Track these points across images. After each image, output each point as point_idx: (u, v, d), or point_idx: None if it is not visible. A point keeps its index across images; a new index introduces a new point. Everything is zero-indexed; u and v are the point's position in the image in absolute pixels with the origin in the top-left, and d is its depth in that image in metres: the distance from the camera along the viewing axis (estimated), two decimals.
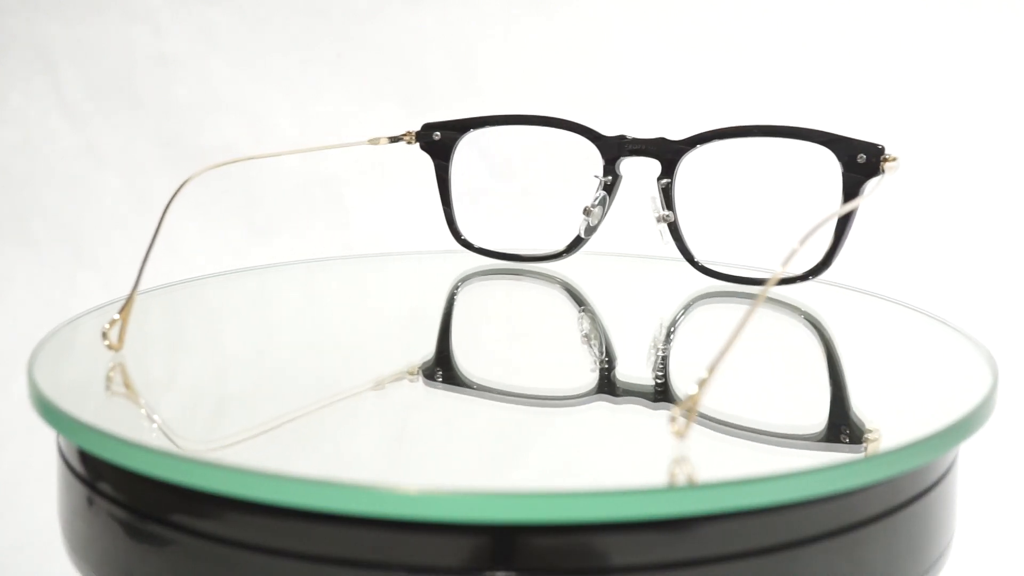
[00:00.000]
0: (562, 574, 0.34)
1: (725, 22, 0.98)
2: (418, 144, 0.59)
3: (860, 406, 0.43)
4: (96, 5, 1.04)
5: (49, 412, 0.39)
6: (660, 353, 0.48)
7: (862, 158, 0.50)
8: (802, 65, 0.97)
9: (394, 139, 0.59)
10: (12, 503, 0.95)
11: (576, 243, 0.56)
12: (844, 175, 0.50)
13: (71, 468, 0.41)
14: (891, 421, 0.42)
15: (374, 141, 0.58)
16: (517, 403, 0.44)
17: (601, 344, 0.50)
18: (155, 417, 0.42)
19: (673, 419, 0.36)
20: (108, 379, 0.44)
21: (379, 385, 0.45)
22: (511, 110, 1.00)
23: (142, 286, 0.47)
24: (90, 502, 0.39)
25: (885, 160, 0.50)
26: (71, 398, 0.40)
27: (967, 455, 0.45)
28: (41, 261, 1.04)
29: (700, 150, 0.54)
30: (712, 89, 0.98)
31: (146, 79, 1.04)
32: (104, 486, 0.39)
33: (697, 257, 0.54)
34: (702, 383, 0.36)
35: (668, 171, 0.54)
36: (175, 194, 0.51)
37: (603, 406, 0.43)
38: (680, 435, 0.36)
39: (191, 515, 0.36)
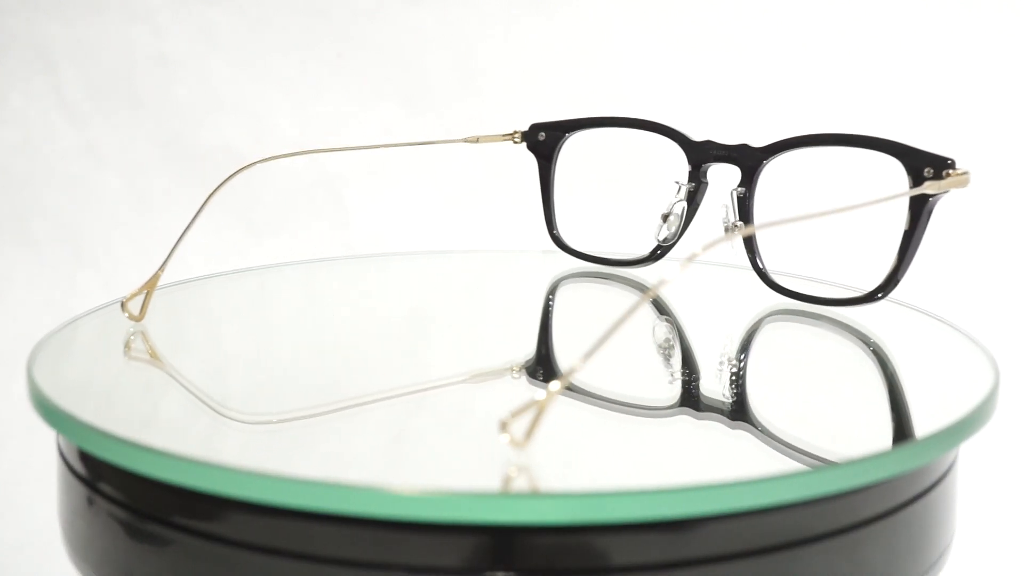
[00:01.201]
0: (562, 574, 0.34)
1: (725, 22, 0.98)
2: (524, 144, 0.59)
3: (861, 406, 0.43)
4: (96, 5, 1.04)
5: (49, 412, 0.39)
6: (731, 370, 0.47)
7: (929, 172, 0.47)
8: (802, 64, 0.97)
9: (496, 138, 0.58)
10: (12, 503, 0.95)
11: (657, 251, 0.55)
12: (912, 189, 0.48)
13: (71, 468, 0.41)
14: (892, 421, 0.42)
15: (472, 139, 0.57)
16: (611, 410, 0.44)
17: (677, 356, 0.49)
18: (195, 390, 0.42)
19: (505, 424, 0.36)
20: (127, 347, 0.47)
21: (477, 378, 0.45)
22: (516, 110, 1.00)
23: (142, 287, 0.47)
24: (90, 502, 0.39)
25: (948, 175, 0.47)
26: (71, 398, 0.40)
27: (967, 455, 0.45)
28: (41, 261, 1.04)
29: (777, 159, 0.52)
30: (712, 89, 0.98)
31: (146, 79, 1.04)
32: (104, 486, 0.39)
33: (769, 273, 0.51)
34: (563, 378, 0.36)
35: (748, 179, 0.51)
36: (223, 183, 0.54)
37: (686, 419, 0.42)
38: (518, 445, 0.35)
39: (191, 515, 0.36)
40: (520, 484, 0.35)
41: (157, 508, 0.37)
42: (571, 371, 0.37)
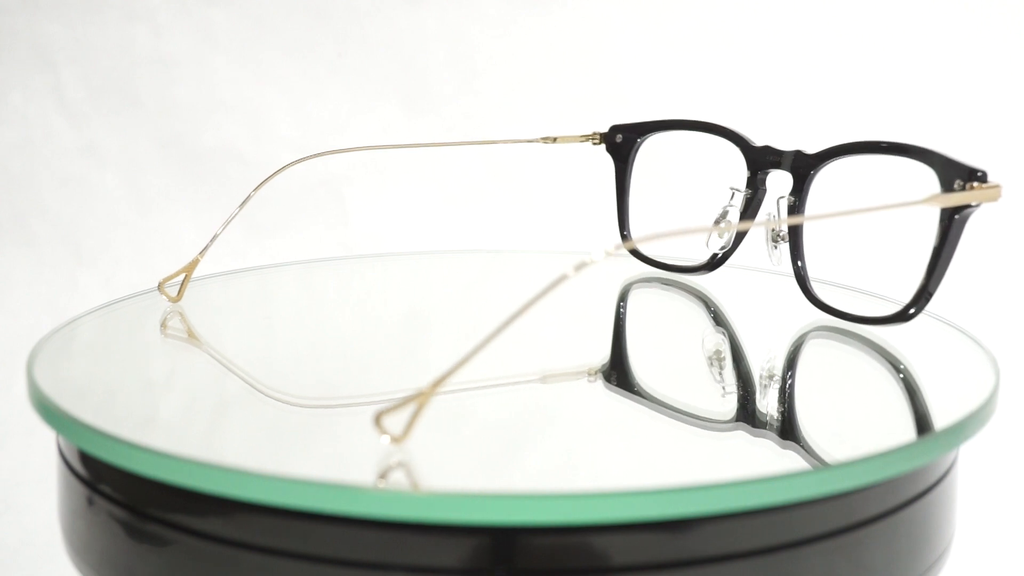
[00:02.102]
0: (562, 574, 0.34)
1: (725, 22, 0.98)
2: (604, 146, 0.57)
3: (862, 406, 0.43)
4: (96, 5, 1.04)
5: (49, 413, 0.39)
6: (774, 387, 0.46)
7: (959, 184, 0.45)
8: (802, 63, 0.97)
9: (575, 139, 0.57)
10: (12, 503, 0.95)
11: (715, 259, 0.54)
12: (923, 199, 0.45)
13: (71, 468, 0.41)
14: (893, 421, 0.42)
15: (549, 140, 0.56)
16: (676, 420, 0.43)
17: (727, 369, 0.48)
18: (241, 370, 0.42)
19: (379, 420, 0.36)
20: (163, 325, 0.49)
21: (547, 379, 0.44)
22: (519, 111, 1.00)
23: (141, 286, 0.47)
24: (90, 502, 0.39)
25: (971, 187, 0.44)
26: (71, 398, 0.40)
27: (967, 455, 0.45)
28: (41, 261, 1.04)
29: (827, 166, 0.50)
30: (712, 90, 0.98)
31: (146, 79, 1.04)
32: (104, 486, 0.39)
33: (811, 285, 0.50)
34: (438, 383, 0.36)
35: (799, 187, 0.49)
36: (272, 177, 0.54)
37: (742, 435, 0.42)
38: (397, 441, 0.36)
39: (191, 515, 0.36)
40: (396, 480, 0.35)
41: (157, 508, 0.37)
42: (453, 369, 0.37)
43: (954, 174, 0.44)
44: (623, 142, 0.57)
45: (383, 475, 0.36)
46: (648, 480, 0.36)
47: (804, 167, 0.49)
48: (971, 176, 0.45)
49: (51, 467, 0.43)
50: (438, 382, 0.36)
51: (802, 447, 0.40)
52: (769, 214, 0.50)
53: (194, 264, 0.50)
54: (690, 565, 0.35)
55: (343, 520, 0.34)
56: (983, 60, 0.94)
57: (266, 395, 0.44)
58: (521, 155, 1.00)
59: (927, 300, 0.46)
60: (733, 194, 0.52)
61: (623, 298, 0.56)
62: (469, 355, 0.37)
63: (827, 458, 0.39)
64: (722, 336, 0.51)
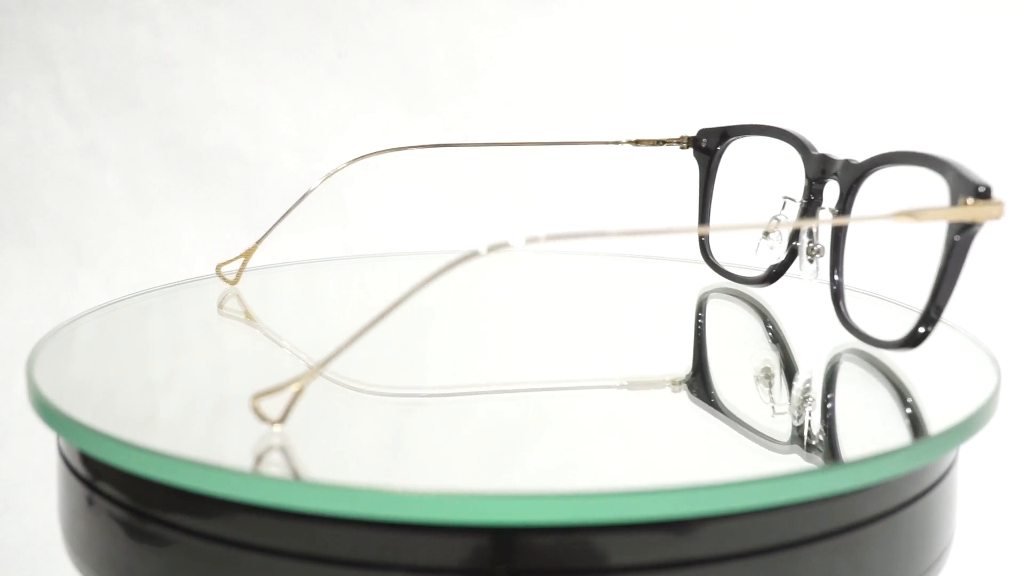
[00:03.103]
0: (562, 574, 0.34)
1: (725, 22, 0.98)
2: (691, 150, 0.55)
3: (862, 407, 0.43)
4: (96, 5, 1.04)
5: (48, 414, 0.39)
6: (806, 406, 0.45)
7: (962, 200, 0.42)
8: (801, 63, 0.97)
9: (661, 142, 0.55)
10: (12, 503, 0.95)
11: (773, 273, 0.52)
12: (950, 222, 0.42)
13: (71, 468, 0.41)
14: (893, 422, 0.41)
15: (635, 142, 0.55)
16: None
17: (779, 389, 0.46)
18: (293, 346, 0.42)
19: (256, 403, 0.37)
20: (221, 305, 0.52)
21: (633, 386, 0.44)
22: (519, 111, 1.00)
23: (141, 286, 0.47)
24: (90, 502, 0.39)
25: (965, 204, 0.41)
26: (71, 399, 0.40)
27: (967, 455, 0.45)
28: (41, 261, 1.04)
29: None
30: (712, 90, 0.98)
31: (146, 79, 1.04)
32: (104, 486, 0.39)
33: (847, 310, 0.47)
34: (318, 367, 0.37)
35: (845, 198, 0.47)
36: (336, 171, 0.57)
37: (796, 458, 0.41)
38: (275, 424, 0.37)
39: (191, 515, 0.36)
40: (273, 465, 0.36)
41: (157, 508, 0.37)
42: (333, 354, 0.37)
43: (960, 189, 0.42)
44: (708, 146, 0.55)
45: (259, 458, 0.36)
46: (648, 480, 0.36)
47: (851, 178, 0.47)
48: (974, 192, 0.41)
49: (51, 467, 0.43)
50: (319, 367, 0.37)
51: (802, 447, 0.40)
52: (810, 229, 0.48)
53: (252, 250, 0.53)
54: (690, 565, 0.35)
55: (343, 520, 0.34)
56: (985, 60, 0.94)
57: (353, 387, 0.44)
58: (521, 155, 1.00)
59: (933, 322, 0.44)
60: (785, 203, 0.50)
61: (680, 307, 0.55)
62: (351, 339, 0.38)
63: (828, 458, 0.39)
64: (771, 358, 0.50)
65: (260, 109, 1.03)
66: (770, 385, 0.46)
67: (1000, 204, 0.41)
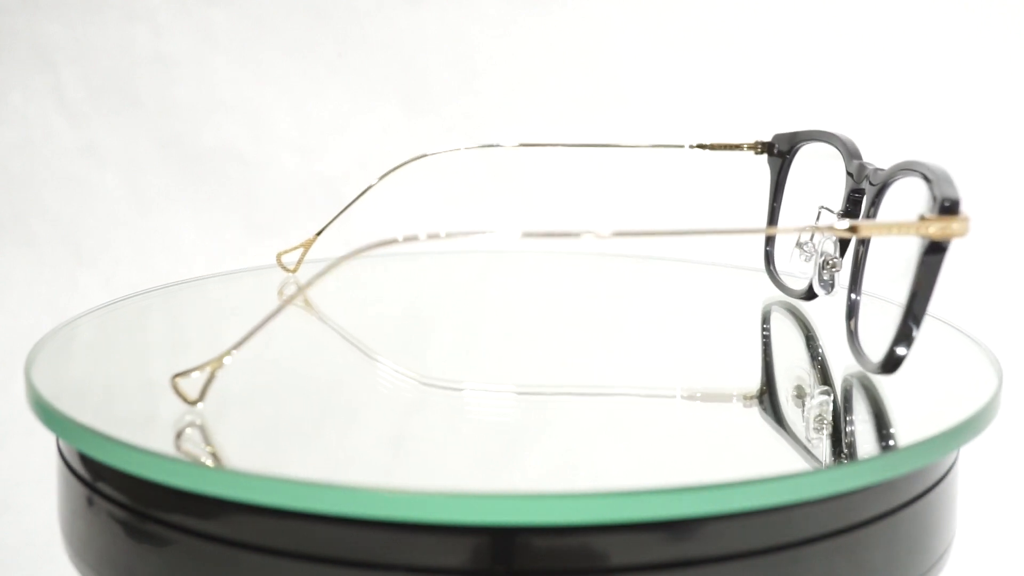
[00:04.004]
0: (562, 574, 0.34)
1: (725, 22, 0.98)
2: (765, 155, 0.53)
3: (863, 407, 0.43)
4: (96, 5, 1.04)
5: (47, 415, 0.39)
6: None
7: (928, 216, 0.39)
8: (801, 63, 0.97)
9: (733, 146, 0.53)
10: (12, 503, 0.95)
11: (811, 291, 0.49)
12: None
13: (71, 468, 0.41)
14: (894, 422, 0.41)
15: (703, 146, 0.53)
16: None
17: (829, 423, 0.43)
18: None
19: (176, 382, 0.39)
20: (280, 293, 0.54)
21: (703, 398, 0.44)
22: (519, 111, 1.00)
23: (141, 287, 0.48)
24: (90, 502, 0.39)
25: (924, 219, 0.39)
26: (70, 399, 0.40)
27: (968, 455, 0.45)
28: (41, 261, 1.04)
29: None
30: (712, 90, 0.98)
31: (146, 79, 1.04)
32: (104, 486, 0.39)
33: (858, 328, 0.44)
34: (229, 351, 0.39)
35: (870, 207, 0.45)
36: (404, 164, 0.60)
37: (796, 459, 0.41)
38: (191, 403, 0.39)
39: (191, 515, 0.36)
40: (191, 444, 0.37)
41: (157, 508, 0.37)
42: (245, 338, 0.39)
43: (931, 202, 0.39)
44: (779, 152, 0.52)
45: (178, 435, 0.38)
46: (648, 480, 0.36)
47: (877, 187, 0.45)
48: (940, 206, 0.39)
49: (51, 467, 0.43)
50: (229, 350, 0.39)
51: (802, 447, 0.40)
52: (833, 242, 0.46)
53: (312, 241, 0.55)
54: (690, 565, 0.35)
55: (343, 520, 0.34)
56: (981, 58, 0.94)
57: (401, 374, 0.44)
58: (519, 156, 1.00)
59: (909, 343, 0.40)
60: (820, 213, 0.48)
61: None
62: (258, 326, 0.39)
63: (828, 459, 0.39)
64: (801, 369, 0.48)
65: (260, 109, 1.03)
66: (802, 404, 0.44)
67: (964, 221, 0.38)
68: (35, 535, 0.91)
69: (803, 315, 0.51)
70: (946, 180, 0.40)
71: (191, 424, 0.38)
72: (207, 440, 0.38)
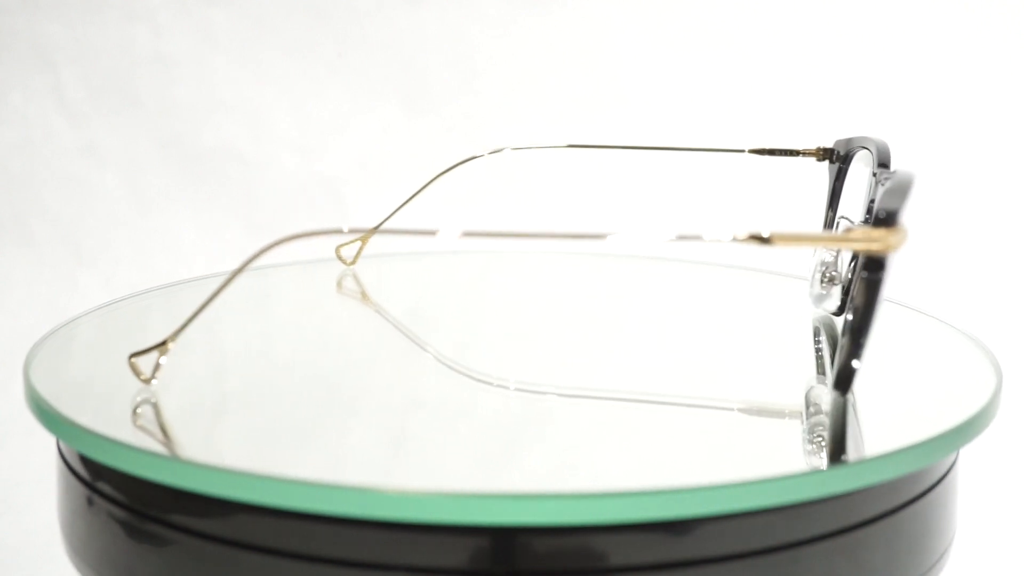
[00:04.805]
0: (562, 574, 0.34)
1: (725, 22, 0.98)
2: (827, 162, 0.51)
3: (863, 407, 0.43)
4: (96, 5, 1.04)
5: (46, 415, 0.39)
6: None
7: (855, 228, 0.37)
8: (801, 63, 0.97)
9: (795, 152, 0.51)
10: (12, 503, 0.95)
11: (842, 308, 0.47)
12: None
13: (71, 468, 0.41)
14: (894, 423, 0.41)
15: (762, 151, 0.51)
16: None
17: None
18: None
19: (134, 362, 0.41)
20: (339, 285, 0.56)
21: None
22: (519, 111, 1.00)
23: (141, 287, 0.48)
24: (90, 502, 0.39)
25: (849, 230, 0.36)
26: (69, 400, 0.40)
27: (968, 455, 0.45)
28: (41, 261, 1.04)
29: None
30: (712, 90, 0.98)
31: (146, 79, 1.04)
32: (104, 486, 0.39)
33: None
34: (178, 331, 0.41)
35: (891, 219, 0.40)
36: (463, 162, 0.59)
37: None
38: (146, 381, 0.41)
39: (191, 515, 0.36)
40: (147, 420, 0.39)
41: (157, 508, 0.37)
42: (190, 318, 0.41)
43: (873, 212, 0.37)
44: (839, 157, 0.51)
45: (135, 410, 0.39)
46: (648, 481, 0.36)
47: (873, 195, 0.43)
48: (876, 219, 0.36)
49: (51, 467, 0.43)
50: (178, 330, 0.41)
51: (803, 448, 0.40)
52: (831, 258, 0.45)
53: (370, 234, 0.55)
54: (690, 565, 0.35)
55: (343, 520, 0.34)
56: (977, 56, 0.94)
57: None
58: (520, 156, 1.00)
59: (857, 358, 0.38)
60: (838, 223, 0.47)
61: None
62: (201, 307, 0.41)
63: (828, 459, 0.39)
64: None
65: (260, 109, 1.03)
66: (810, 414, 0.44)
67: (898, 235, 0.36)
68: (35, 535, 0.91)
69: (829, 323, 0.51)
70: (896, 190, 0.38)
71: (145, 402, 0.40)
72: (160, 419, 0.39)
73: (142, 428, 0.39)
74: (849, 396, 0.40)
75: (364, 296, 0.55)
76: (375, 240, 0.57)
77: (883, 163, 0.45)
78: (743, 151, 0.53)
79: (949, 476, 0.41)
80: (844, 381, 0.38)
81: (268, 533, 0.35)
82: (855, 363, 0.38)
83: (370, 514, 0.33)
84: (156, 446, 0.38)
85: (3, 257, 1.04)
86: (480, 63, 1.01)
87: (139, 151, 1.04)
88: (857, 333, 0.37)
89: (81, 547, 0.40)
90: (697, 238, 0.38)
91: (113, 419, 0.40)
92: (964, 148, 0.94)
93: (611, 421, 0.42)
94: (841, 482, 0.36)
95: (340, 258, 0.57)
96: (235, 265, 0.60)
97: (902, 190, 0.37)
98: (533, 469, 0.38)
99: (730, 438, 0.41)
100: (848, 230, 0.37)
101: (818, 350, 0.49)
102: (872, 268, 0.37)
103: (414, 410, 0.43)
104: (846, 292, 0.46)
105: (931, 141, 0.94)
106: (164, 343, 0.41)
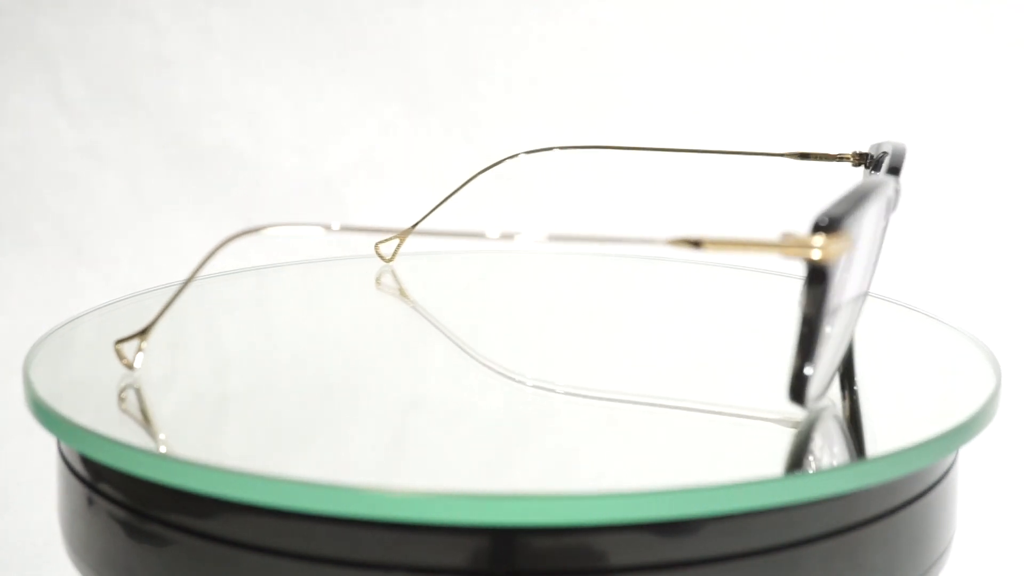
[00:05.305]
0: (562, 574, 0.34)
1: (726, 22, 0.98)
2: (862, 168, 0.49)
3: (862, 408, 0.43)
4: (96, 5, 1.04)
5: (46, 416, 0.39)
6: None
7: (787, 235, 0.36)
8: (803, 65, 0.97)
9: (833, 157, 0.50)
10: (12, 503, 0.95)
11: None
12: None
13: (71, 468, 0.41)
14: (893, 423, 0.41)
15: (801, 155, 0.50)
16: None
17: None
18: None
19: (119, 347, 0.42)
20: (378, 281, 0.56)
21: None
22: (519, 111, 1.00)
23: (141, 287, 0.48)
24: (90, 502, 0.39)
25: (783, 236, 0.35)
26: (69, 400, 0.40)
27: (968, 455, 0.45)
28: (41, 261, 1.04)
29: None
30: (713, 91, 0.98)
31: (146, 79, 1.04)
32: (104, 486, 0.39)
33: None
34: (158, 316, 0.43)
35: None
36: (499, 162, 0.59)
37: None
38: (130, 366, 0.42)
39: (191, 515, 0.36)
40: (130, 402, 0.40)
41: (157, 508, 0.37)
42: (169, 303, 0.43)
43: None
44: (872, 162, 0.49)
45: (121, 394, 0.41)
46: (648, 480, 0.36)
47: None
48: (815, 225, 0.35)
49: (51, 467, 0.43)
50: (159, 315, 0.42)
51: (803, 448, 0.40)
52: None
53: (408, 231, 0.56)
54: (690, 565, 0.35)
55: (343, 520, 0.34)
56: (979, 57, 0.94)
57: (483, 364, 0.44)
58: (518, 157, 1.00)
59: (802, 381, 0.37)
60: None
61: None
62: (174, 296, 0.43)
63: (828, 459, 0.39)
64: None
65: (260, 109, 1.03)
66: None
67: (826, 244, 0.34)
68: (35, 535, 0.91)
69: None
70: (849, 196, 0.37)
71: (129, 387, 0.42)
72: (142, 402, 0.40)
73: (142, 428, 0.39)
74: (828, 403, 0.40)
75: (402, 292, 0.56)
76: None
77: (893, 168, 0.45)
78: (782, 155, 0.51)
79: (949, 476, 0.41)
80: (796, 390, 0.37)
81: (268, 533, 0.35)
82: (807, 370, 0.37)
83: (370, 514, 0.33)
84: (156, 446, 0.38)
85: (3, 257, 1.04)
86: (480, 63, 1.01)
87: (139, 151, 1.04)
88: (805, 342, 0.36)
89: (81, 547, 0.40)
90: (628, 240, 0.37)
91: (113, 419, 0.40)
92: (964, 148, 0.94)
93: (611, 421, 0.42)
94: (841, 482, 0.36)
95: (379, 255, 0.58)
96: (235, 264, 0.60)
97: (853, 197, 0.36)
98: (533, 469, 0.38)
99: (730, 438, 0.40)
100: (785, 236, 0.35)
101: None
102: (813, 277, 0.35)
103: (414, 410, 0.43)
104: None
105: (931, 141, 0.94)
106: (145, 331, 0.43)
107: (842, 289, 0.38)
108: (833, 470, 0.37)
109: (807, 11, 0.97)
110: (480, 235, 0.38)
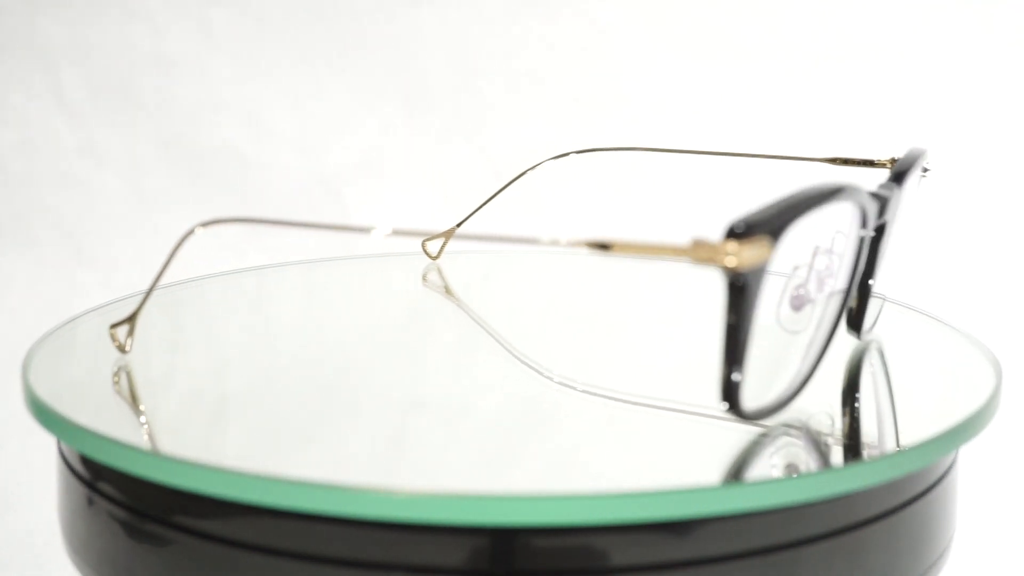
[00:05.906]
0: (562, 574, 0.34)
1: (727, 23, 0.98)
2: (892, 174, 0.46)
3: (862, 408, 0.43)
4: (96, 5, 1.04)
5: (45, 416, 0.39)
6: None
7: (699, 240, 0.35)
8: (804, 65, 0.97)
9: (867, 162, 0.49)
10: (12, 503, 0.95)
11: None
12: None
13: (71, 468, 0.41)
14: (893, 423, 0.41)
15: (837, 160, 0.50)
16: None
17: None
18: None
19: (113, 332, 0.44)
20: (424, 278, 0.57)
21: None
22: (519, 111, 1.00)
23: (141, 287, 0.48)
24: (90, 502, 0.39)
25: (696, 241, 0.34)
26: (68, 400, 0.40)
27: (968, 454, 0.45)
28: (41, 261, 1.04)
29: None
30: (712, 91, 0.98)
31: (146, 79, 1.04)
32: (104, 486, 0.39)
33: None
34: (144, 299, 0.44)
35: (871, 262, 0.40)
36: (534, 166, 0.59)
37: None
38: (123, 349, 0.44)
39: (191, 515, 0.36)
40: (123, 386, 0.42)
41: (157, 508, 0.37)
42: (143, 300, 0.46)
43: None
44: (897, 167, 0.46)
45: (115, 376, 0.42)
46: (648, 480, 0.36)
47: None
48: (730, 231, 0.34)
49: (51, 467, 0.43)
50: (143, 302, 0.44)
51: (803, 448, 0.40)
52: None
53: (453, 230, 0.57)
54: (690, 565, 0.35)
55: (343, 520, 0.34)
56: (979, 57, 0.94)
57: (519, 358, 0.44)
58: (518, 157, 1.00)
59: (731, 386, 0.36)
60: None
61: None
62: (151, 286, 0.45)
63: (828, 460, 0.39)
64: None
65: (260, 109, 1.03)
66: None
67: (739, 251, 0.33)
68: (35, 535, 0.91)
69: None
70: (780, 203, 0.35)
71: (122, 369, 0.43)
72: (132, 385, 0.42)
73: (142, 428, 0.39)
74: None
75: (448, 290, 0.56)
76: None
77: (898, 175, 0.44)
78: (819, 160, 0.51)
79: (949, 476, 0.41)
80: (728, 395, 0.36)
81: (268, 533, 0.35)
82: (735, 376, 0.36)
83: (370, 514, 0.33)
84: (156, 446, 0.38)
85: (3, 257, 1.04)
86: (480, 63, 1.01)
87: (139, 151, 1.04)
88: (730, 349, 0.36)
89: (81, 547, 0.40)
90: (534, 241, 0.37)
91: (113, 419, 0.40)
92: (964, 148, 0.94)
93: (611, 421, 0.42)
94: (841, 482, 0.36)
95: (426, 252, 0.58)
96: (235, 264, 0.60)
97: (784, 204, 0.35)
98: (533, 469, 0.38)
99: (731, 438, 0.40)
100: (696, 242, 0.33)
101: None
102: (731, 286, 0.35)
103: (414, 410, 0.43)
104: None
105: (931, 140, 0.94)
106: (132, 317, 0.44)
107: (786, 295, 0.37)
108: (833, 470, 0.37)
109: (807, 11, 0.97)
110: (534, 240, 0.38)
